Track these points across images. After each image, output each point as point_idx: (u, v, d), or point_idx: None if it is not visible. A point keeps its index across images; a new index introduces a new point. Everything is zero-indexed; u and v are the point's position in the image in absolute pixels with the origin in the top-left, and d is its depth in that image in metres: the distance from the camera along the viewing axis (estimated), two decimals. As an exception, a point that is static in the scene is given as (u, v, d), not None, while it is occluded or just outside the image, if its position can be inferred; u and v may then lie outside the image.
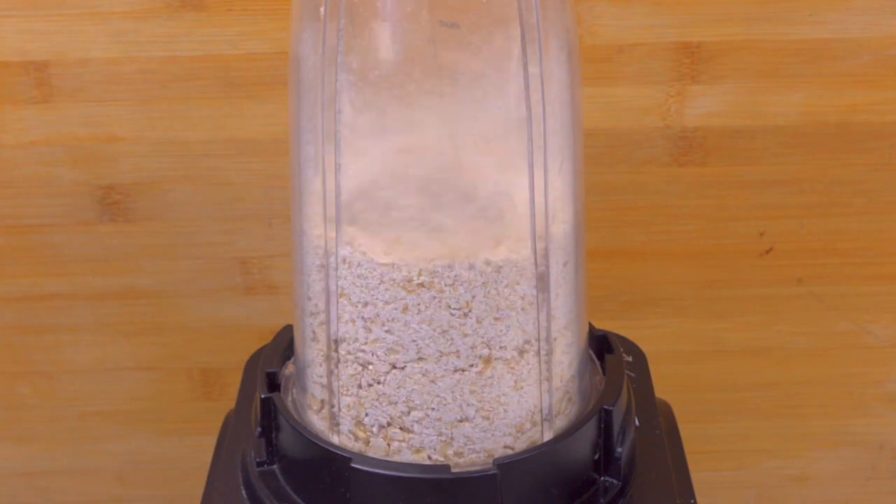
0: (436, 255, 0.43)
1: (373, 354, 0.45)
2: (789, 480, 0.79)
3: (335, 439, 0.46)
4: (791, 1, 0.65)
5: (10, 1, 0.65)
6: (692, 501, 0.48)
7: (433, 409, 0.45)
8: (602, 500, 0.46)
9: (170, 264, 0.72)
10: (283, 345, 0.51)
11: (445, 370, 0.44)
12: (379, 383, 0.45)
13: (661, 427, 0.51)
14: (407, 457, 0.45)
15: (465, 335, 0.44)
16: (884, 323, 0.74)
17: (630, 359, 0.54)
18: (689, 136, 0.68)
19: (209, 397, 0.76)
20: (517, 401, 0.45)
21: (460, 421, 0.45)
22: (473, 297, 0.44)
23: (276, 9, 0.65)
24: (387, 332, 0.44)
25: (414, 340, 0.44)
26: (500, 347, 0.44)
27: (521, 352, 0.45)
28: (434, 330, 0.44)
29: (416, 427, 0.45)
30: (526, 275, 0.44)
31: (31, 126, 0.68)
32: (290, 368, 0.50)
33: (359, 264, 0.44)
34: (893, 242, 0.72)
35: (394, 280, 0.44)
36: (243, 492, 0.47)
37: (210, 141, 0.68)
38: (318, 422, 0.47)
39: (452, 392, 0.44)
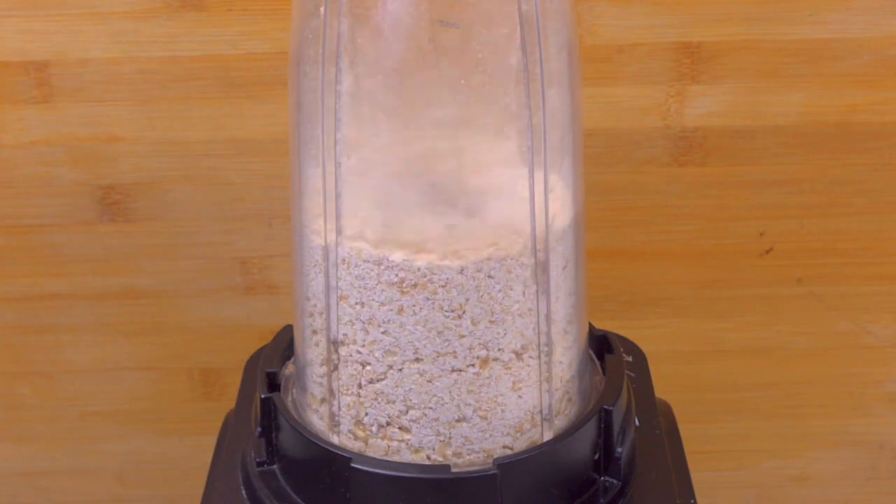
0: (429, 256, 0.43)
1: (371, 355, 0.45)
2: (789, 480, 0.79)
3: (335, 439, 0.46)
4: (791, 1, 0.65)
5: (10, 1, 0.65)
6: (692, 501, 0.48)
7: (431, 408, 0.45)
8: (602, 500, 0.46)
9: (170, 264, 0.72)
10: (283, 345, 0.51)
11: (442, 370, 0.44)
12: (378, 382, 0.45)
13: (661, 427, 0.51)
14: (406, 457, 0.45)
15: (462, 336, 0.44)
16: (884, 323, 0.74)
17: (630, 359, 0.54)
18: (689, 136, 0.68)
19: (209, 397, 0.76)
20: (515, 401, 0.45)
21: (458, 421, 0.45)
22: (467, 299, 0.44)
23: (276, 9, 0.65)
24: (383, 333, 0.44)
25: (410, 342, 0.44)
26: (499, 350, 0.44)
27: (520, 354, 0.45)
28: (429, 331, 0.44)
29: (413, 427, 0.45)
30: (522, 278, 0.44)
31: (31, 126, 0.68)
32: (290, 368, 0.50)
33: (356, 265, 0.44)
34: (893, 242, 0.72)
35: (389, 282, 0.44)
36: (243, 492, 0.47)
37: (210, 141, 0.68)
38: (317, 422, 0.47)
39: (450, 392, 0.44)
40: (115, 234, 0.71)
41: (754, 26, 0.66)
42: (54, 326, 0.74)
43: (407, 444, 0.45)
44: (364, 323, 0.44)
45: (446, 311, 0.44)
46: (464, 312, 0.44)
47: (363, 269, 0.44)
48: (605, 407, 0.46)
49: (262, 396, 0.47)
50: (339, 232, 0.44)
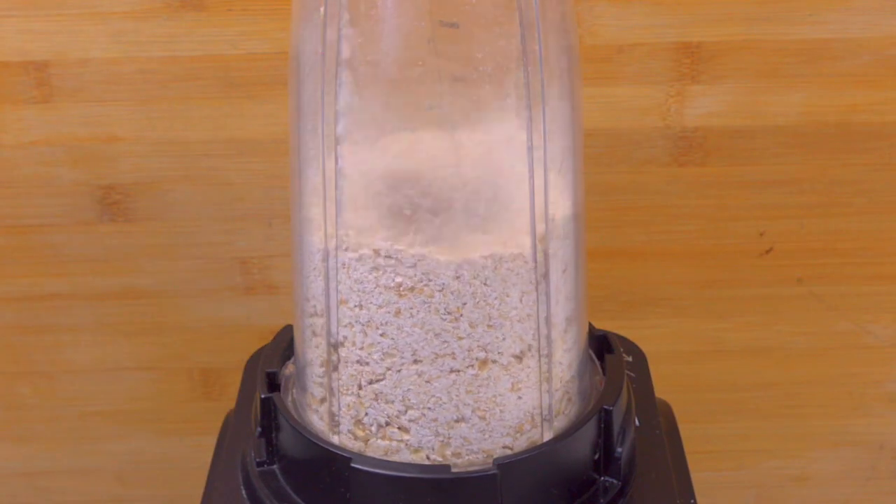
0: (427, 259, 0.43)
1: (370, 357, 0.45)
2: (789, 480, 0.79)
3: (335, 439, 0.46)
4: (791, 1, 0.65)
5: (10, 1, 0.65)
6: (692, 501, 0.48)
7: (429, 408, 0.45)
8: (602, 500, 0.46)
9: (170, 264, 0.72)
10: (283, 345, 0.51)
11: (441, 371, 0.44)
12: (377, 382, 0.45)
13: (661, 427, 0.51)
14: (406, 457, 0.45)
15: (460, 338, 0.44)
16: (884, 323, 0.74)
17: (630, 359, 0.54)
18: (689, 136, 0.68)
19: (209, 397, 0.76)
20: (515, 402, 0.45)
21: (457, 421, 0.45)
22: (464, 304, 0.44)
23: (276, 9, 0.65)
24: (381, 335, 0.44)
25: (408, 343, 0.44)
26: (498, 353, 0.44)
27: (519, 357, 0.45)
28: (427, 334, 0.44)
29: (412, 427, 0.45)
30: (521, 283, 0.44)
31: (31, 126, 0.68)
32: (290, 368, 0.50)
33: (355, 267, 0.44)
34: (893, 242, 0.72)
35: (387, 285, 0.44)
36: (243, 492, 0.47)
37: (210, 141, 0.68)
38: (317, 422, 0.47)
39: (448, 392, 0.44)
40: (115, 234, 0.71)
41: (754, 26, 0.66)
42: (54, 326, 0.74)
43: (406, 444, 0.45)
44: (363, 325, 0.44)
45: (443, 315, 0.44)
46: (461, 316, 0.44)
47: (361, 273, 0.44)
48: (605, 407, 0.46)
49: (262, 396, 0.47)
50: (338, 234, 0.44)
